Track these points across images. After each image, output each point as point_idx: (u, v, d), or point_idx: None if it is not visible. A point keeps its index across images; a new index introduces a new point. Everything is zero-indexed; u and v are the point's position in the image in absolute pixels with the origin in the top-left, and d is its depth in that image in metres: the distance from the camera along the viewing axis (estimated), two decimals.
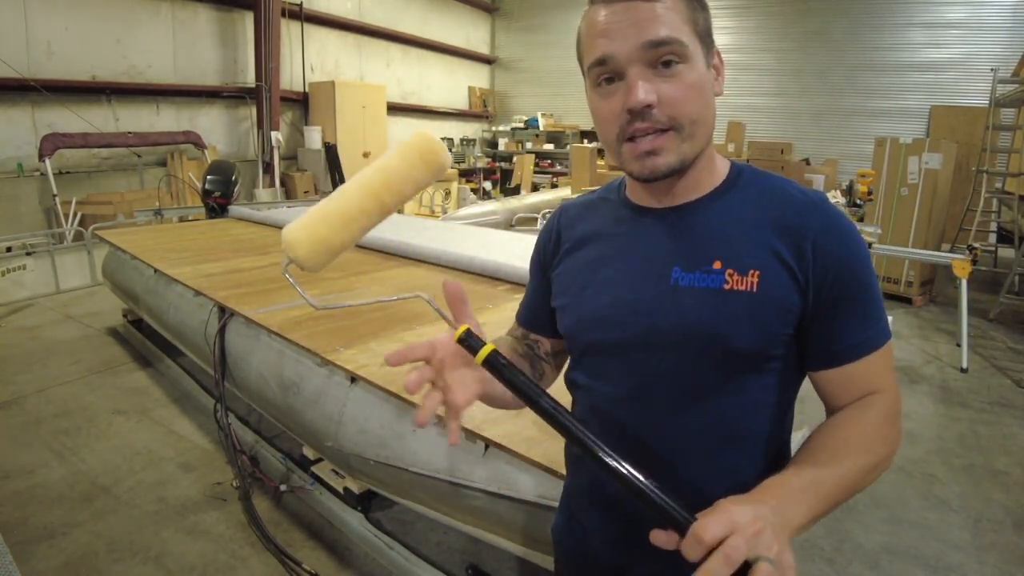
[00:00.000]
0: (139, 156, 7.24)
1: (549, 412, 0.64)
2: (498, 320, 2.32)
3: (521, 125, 13.20)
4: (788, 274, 0.72)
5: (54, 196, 6.31)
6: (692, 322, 0.74)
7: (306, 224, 0.63)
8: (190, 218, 5.96)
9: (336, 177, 9.19)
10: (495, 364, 0.65)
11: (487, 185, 12.11)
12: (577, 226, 0.89)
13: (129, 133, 7.09)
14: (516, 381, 0.66)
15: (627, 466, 0.61)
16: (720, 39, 11.09)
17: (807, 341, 0.76)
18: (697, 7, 0.74)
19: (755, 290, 0.72)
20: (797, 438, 0.84)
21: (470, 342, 0.65)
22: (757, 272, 0.72)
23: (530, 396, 0.65)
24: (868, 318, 0.74)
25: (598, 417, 0.83)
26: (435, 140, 0.69)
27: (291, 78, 9.22)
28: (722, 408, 0.77)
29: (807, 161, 9.66)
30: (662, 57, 0.69)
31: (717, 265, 0.74)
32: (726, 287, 0.73)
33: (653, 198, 0.81)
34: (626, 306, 0.79)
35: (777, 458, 0.81)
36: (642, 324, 0.77)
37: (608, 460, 0.62)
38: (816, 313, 0.73)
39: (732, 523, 0.55)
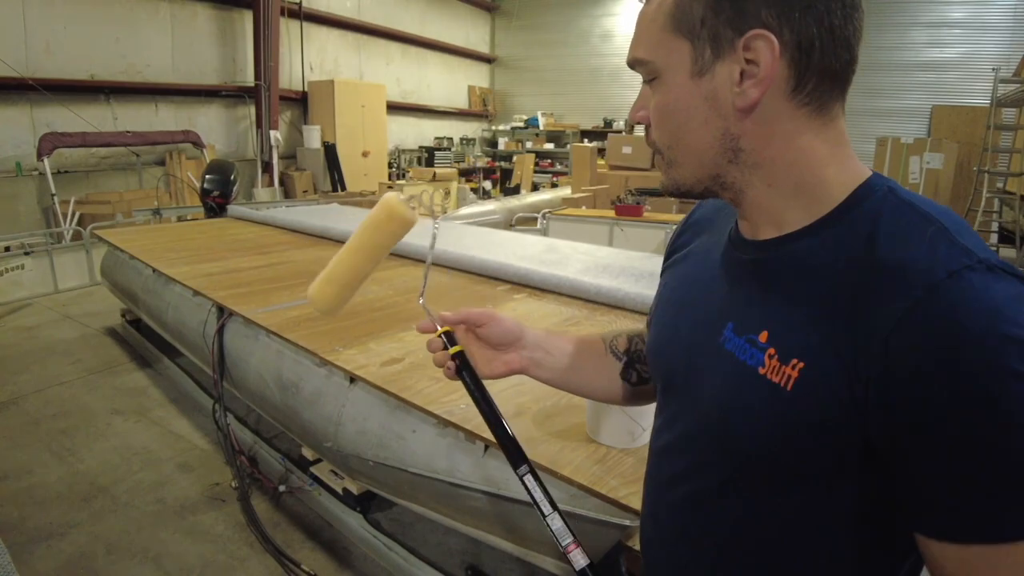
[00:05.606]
0: (138, 155, 7.23)
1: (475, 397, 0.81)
2: None
3: (521, 124, 13.20)
4: (840, 375, 0.50)
5: (52, 195, 6.30)
6: (713, 399, 0.62)
7: (319, 286, 0.86)
8: (189, 218, 5.95)
9: (335, 176, 9.17)
10: (461, 359, 0.82)
11: (487, 184, 12.10)
12: (700, 230, 0.76)
13: (128, 132, 7.08)
14: (469, 377, 0.81)
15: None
16: None
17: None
18: None
19: (789, 387, 0.53)
20: None
21: (445, 338, 0.83)
22: (801, 364, 0.53)
23: (472, 390, 0.81)
24: (966, 494, 0.46)
25: (651, 456, 0.75)
26: (396, 205, 0.82)
27: (290, 77, 9.21)
28: (729, 516, 0.62)
29: None
30: (644, 77, 0.62)
31: (763, 337, 0.57)
32: (761, 371, 0.56)
33: (744, 224, 0.64)
34: (678, 352, 0.69)
35: None
36: (686, 376, 0.67)
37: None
38: (891, 443, 0.49)
39: None
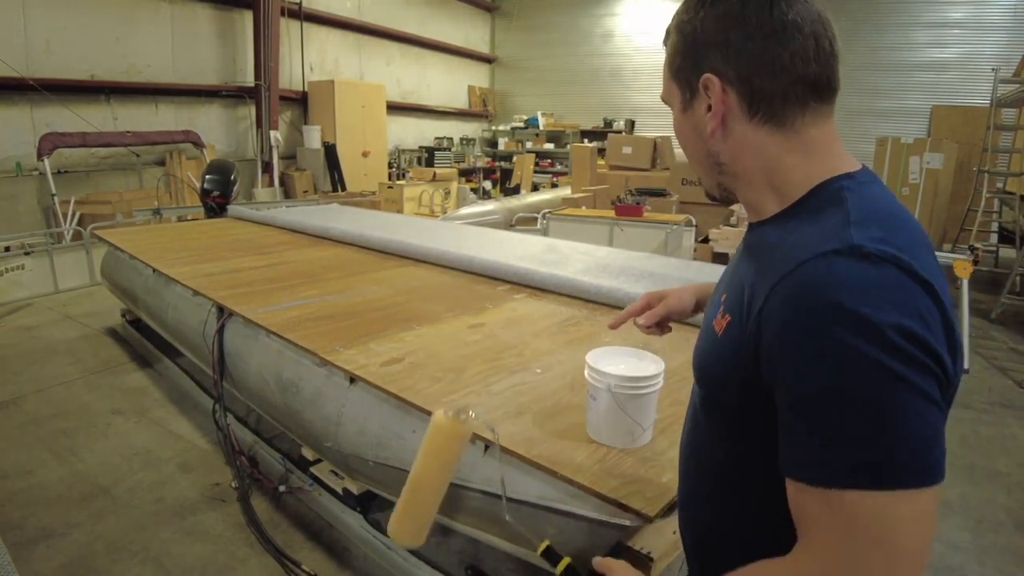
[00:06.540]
0: (138, 155, 7.23)
1: None
2: (497, 320, 2.31)
3: (521, 124, 13.19)
4: (744, 329, 0.64)
5: (53, 195, 6.30)
6: (699, 340, 0.80)
7: (399, 525, 0.91)
8: (189, 218, 5.95)
9: (335, 177, 9.17)
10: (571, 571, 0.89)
11: (487, 185, 12.09)
12: None
13: (128, 132, 7.08)
14: None
15: None
16: None
17: None
18: (675, 43, 0.73)
19: (720, 334, 0.70)
20: None
21: (549, 554, 0.90)
22: (729, 317, 0.69)
23: None
24: (797, 437, 0.58)
25: None
26: (446, 425, 0.87)
27: (290, 77, 9.21)
28: (702, 438, 0.81)
29: None
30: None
31: (724, 298, 0.74)
32: (714, 322, 0.73)
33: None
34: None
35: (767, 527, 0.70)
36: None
37: None
38: (767, 392, 0.62)
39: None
